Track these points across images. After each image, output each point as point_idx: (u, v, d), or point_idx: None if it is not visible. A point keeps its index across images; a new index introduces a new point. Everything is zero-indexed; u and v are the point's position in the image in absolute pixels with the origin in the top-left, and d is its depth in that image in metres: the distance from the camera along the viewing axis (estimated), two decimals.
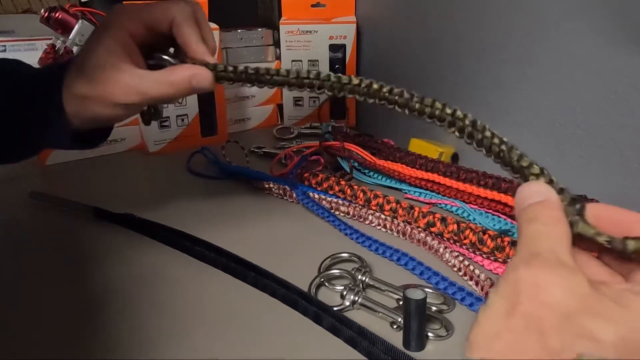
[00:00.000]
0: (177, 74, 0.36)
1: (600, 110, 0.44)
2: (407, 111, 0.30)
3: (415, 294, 0.31)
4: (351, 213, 0.50)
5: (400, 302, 0.36)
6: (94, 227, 0.49)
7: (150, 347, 0.33)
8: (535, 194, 0.23)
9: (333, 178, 0.54)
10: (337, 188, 0.52)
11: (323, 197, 0.52)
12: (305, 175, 0.56)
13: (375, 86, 0.31)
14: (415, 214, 0.46)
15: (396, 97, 0.30)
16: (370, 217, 0.48)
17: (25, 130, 0.38)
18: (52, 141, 0.40)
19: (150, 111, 0.44)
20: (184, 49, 0.36)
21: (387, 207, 0.48)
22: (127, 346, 0.33)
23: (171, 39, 0.37)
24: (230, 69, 0.36)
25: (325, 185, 0.53)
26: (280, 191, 0.54)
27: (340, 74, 0.33)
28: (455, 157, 0.60)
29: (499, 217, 0.46)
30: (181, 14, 0.36)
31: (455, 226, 0.43)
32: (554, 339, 0.17)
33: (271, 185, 0.55)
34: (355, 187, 0.51)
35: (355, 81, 0.32)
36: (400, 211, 0.47)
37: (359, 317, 0.34)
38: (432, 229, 0.44)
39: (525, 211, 0.22)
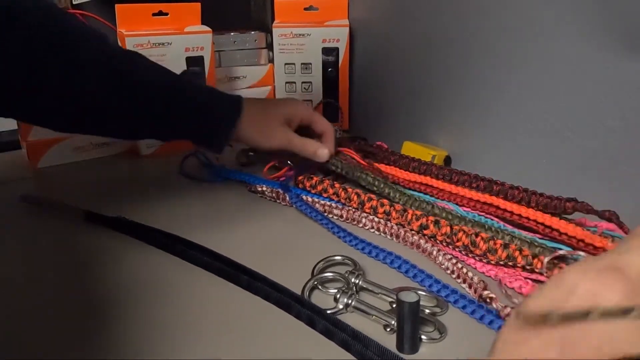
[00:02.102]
0: (311, 143, 0.56)
1: (591, 113, 0.45)
2: None
3: (409, 297, 0.31)
4: (344, 216, 0.50)
5: (394, 305, 0.36)
6: (86, 230, 0.48)
7: (142, 350, 0.33)
8: None
9: (327, 181, 0.54)
10: (331, 191, 0.52)
11: (316, 200, 0.52)
12: (299, 178, 0.56)
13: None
14: (409, 216, 0.46)
15: None
16: (363, 220, 0.48)
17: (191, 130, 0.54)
18: (210, 140, 0.55)
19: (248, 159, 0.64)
20: (325, 140, 0.57)
21: (380, 210, 0.48)
22: (118, 349, 0.33)
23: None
24: (340, 164, 0.56)
25: (319, 188, 0.53)
26: (274, 194, 0.54)
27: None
28: (447, 160, 0.61)
29: (491, 219, 0.46)
30: (329, 130, 0.58)
31: (448, 228, 0.43)
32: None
33: (264, 189, 0.55)
34: (350, 189, 0.51)
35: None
36: (393, 214, 0.47)
37: (353, 320, 0.34)
38: (425, 232, 0.44)
39: None
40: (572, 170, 0.47)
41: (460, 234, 0.42)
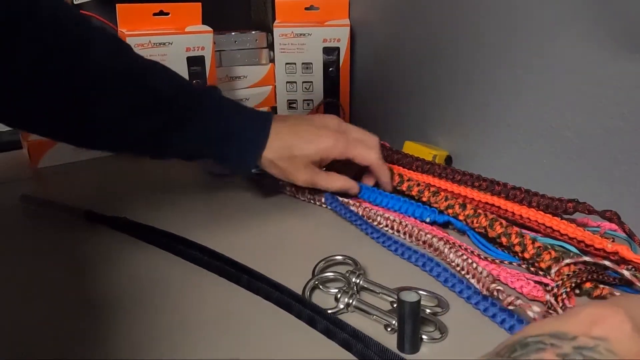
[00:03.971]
0: (338, 180, 0.52)
1: (591, 114, 0.45)
2: None
3: (409, 297, 0.31)
4: (360, 214, 0.50)
5: (395, 305, 0.36)
6: (86, 231, 0.48)
7: (142, 350, 0.33)
8: None
9: None
10: None
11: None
12: None
13: None
14: (440, 197, 0.48)
15: None
16: (378, 218, 0.48)
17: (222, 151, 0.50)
18: (238, 164, 0.51)
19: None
20: (377, 177, 0.53)
21: (415, 189, 0.51)
22: (119, 349, 0.33)
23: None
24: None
25: None
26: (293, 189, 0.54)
27: None
28: (448, 160, 0.61)
29: None
30: (376, 160, 0.51)
31: (472, 211, 0.45)
32: None
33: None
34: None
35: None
36: (426, 193, 0.49)
37: (353, 320, 0.34)
38: (449, 211, 0.47)
39: None
40: (573, 170, 0.47)
41: (481, 217, 0.44)
